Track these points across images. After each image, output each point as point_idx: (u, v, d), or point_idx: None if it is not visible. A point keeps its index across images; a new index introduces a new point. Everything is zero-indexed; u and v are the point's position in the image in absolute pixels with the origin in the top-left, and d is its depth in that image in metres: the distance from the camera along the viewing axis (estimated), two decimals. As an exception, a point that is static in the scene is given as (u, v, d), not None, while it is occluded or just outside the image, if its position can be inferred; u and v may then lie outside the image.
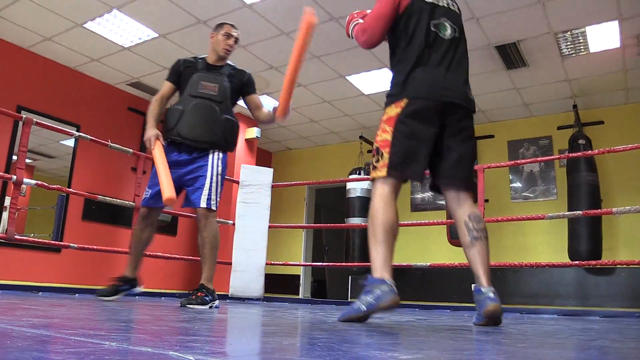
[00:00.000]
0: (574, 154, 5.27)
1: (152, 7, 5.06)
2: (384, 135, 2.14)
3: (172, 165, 3.12)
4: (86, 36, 5.68)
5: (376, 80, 6.47)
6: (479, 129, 7.60)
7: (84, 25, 5.47)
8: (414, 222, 5.71)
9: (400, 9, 2.24)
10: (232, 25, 3.37)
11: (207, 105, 3.18)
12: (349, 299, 7.77)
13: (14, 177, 3.63)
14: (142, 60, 6.22)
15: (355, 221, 7.08)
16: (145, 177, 6.10)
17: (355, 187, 7.28)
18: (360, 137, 8.15)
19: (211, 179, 3.19)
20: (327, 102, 7.19)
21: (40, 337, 0.93)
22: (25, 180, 3.66)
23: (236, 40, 3.35)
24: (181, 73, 3.26)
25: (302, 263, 8.52)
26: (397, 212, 2.14)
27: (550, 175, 6.99)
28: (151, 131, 3.15)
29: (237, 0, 4.88)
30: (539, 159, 4.86)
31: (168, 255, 5.37)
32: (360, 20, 2.38)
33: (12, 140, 5.84)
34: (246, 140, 8.03)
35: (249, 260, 5.13)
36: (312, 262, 8.64)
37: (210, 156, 3.23)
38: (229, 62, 3.40)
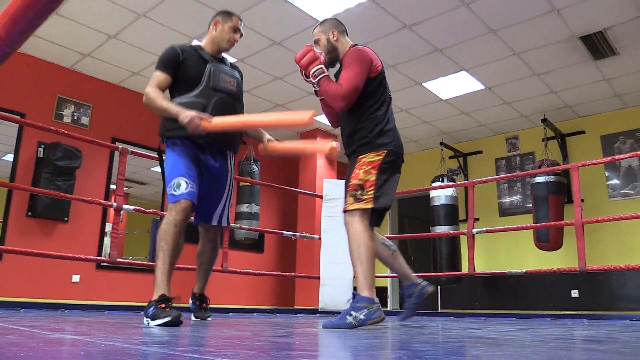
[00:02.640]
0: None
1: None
2: (369, 177, 2.56)
3: (207, 170, 2.76)
4: (170, 67, 6.00)
5: (454, 84, 6.32)
6: (567, 126, 7.21)
7: (167, 57, 5.79)
8: (504, 227, 5.47)
9: (372, 73, 2.64)
10: (241, 19, 2.93)
11: (229, 102, 2.77)
12: (439, 310, 7.57)
13: (115, 204, 3.88)
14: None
15: (442, 229, 6.91)
16: (232, 197, 6.30)
17: (440, 195, 7.11)
18: (441, 143, 7.98)
19: (230, 188, 2.91)
20: (404, 110, 7.12)
21: (157, 355, 0.97)
22: (125, 206, 3.90)
23: (241, 36, 2.94)
24: (180, 64, 2.75)
25: (389, 275, 8.41)
26: None
27: (652, 169, 6.48)
28: (187, 111, 2.50)
29: (304, 16, 4.97)
30: (638, 152, 4.51)
31: (258, 271, 5.50)
32: (324, 70, 2.67)
33: (109, 170, 6.26)
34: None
35: (336, 274, 5.14)
36: (399, 273, 8.50)
37: (229, 161, 2.90)
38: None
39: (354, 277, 2.68)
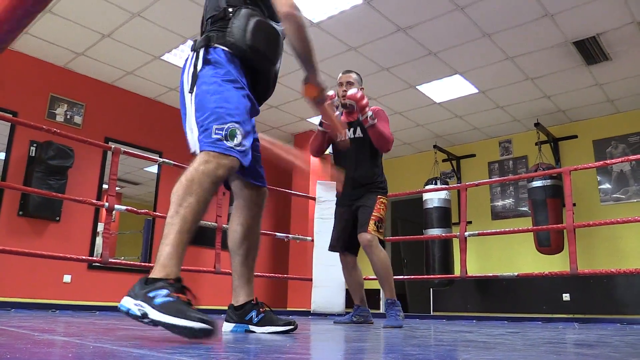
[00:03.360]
0: (670, 150, 4.88)
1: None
2: (384, 216, 3.33)
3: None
4: (164, 67, 6.00)
5: (448, 87, 6.34)
6: (560, 130, 7.24)
7: (161, 58, 5.78)
8: (497, 230, 5.48)
9: None
10: None
11: None
12: (432, 312, 7.58)
13: (107, 203, 3.86)
14: (216, 85, 6.45)
15: (434, 232, 6.93)
16: (225, 198, 6.29)
17: (433, 198, 7.13)
18: (435, 146, 8.00)
19: None
20: (398, 113, 7.13)
21: (148, 357, 0.96)
22: (117, 206, 3.88)
23: None
24: None
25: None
26: None
27: (644, 174, 6.52)
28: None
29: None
30: (630, 157, 4.53)
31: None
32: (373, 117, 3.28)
33: (101, 170, 6.23)
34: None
35: (329, 276, 5.14)
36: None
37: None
38: None
39: (384, 291, 3.31)
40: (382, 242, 3.25)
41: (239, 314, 2.04)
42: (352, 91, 3.23)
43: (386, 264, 3.20)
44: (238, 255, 2.08)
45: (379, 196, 3.32)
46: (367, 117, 3.18)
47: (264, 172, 2.07)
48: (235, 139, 1.72)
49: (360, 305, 3.59)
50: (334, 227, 3.58)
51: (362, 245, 3.28)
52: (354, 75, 3.49)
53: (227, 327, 2.04)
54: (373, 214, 3.24)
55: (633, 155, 4.69)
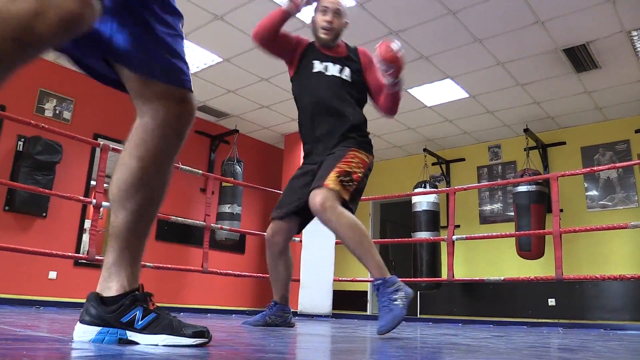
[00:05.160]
0: (656, 158, 4.95)
1: (215, 33, 5.25)
2: (357, 171, 2.43)
3: None
4: (155, 64, 5.96)
5: (438, 91, 6.37)
6: (549, 136, 7.30)
7: (153, 54, 5.74)
8: (484, 234, 5.52)
9: None
10: None
11: None
12: (418, 315, 7.61)
13: (94, 200, 3.84)
14: (208, 84, 6.44)
15: (422, 235, 6.96)
16: (213, 197, 6.26)
17: (421, 201, 7.15)
18: (425, 149, 8.03)
19: None
20: (388, 116, 7.14)
21: (131, 355, 0.96)
22: (104, 203, 3.85)
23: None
24: None
25: (370, 279, 8.42)
26: None
27: (630, 181, 6.60)
28: None
29: (295, 21, 4.98)
30: (617, 164, 4.59)
31: (237, 272, 5.48)
32: None
33: (90, 166, 6.19)
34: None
35: (317, 277, 5.14)
36: (379, 277, 8.52)
37: None
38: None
39: (366, 266, 2.26)
40: (349, 209, 2.35)
41: (110, 312, 1.20)
42: (395, 46, 2.30)
43: (356, 227, 2.27)
44: (124, 210, 1.24)
45: (354, 149, 2.49)
46: (399, 81, 2.44)
47: (187, 69, 1.26)
48: None
49: (279, 302, 2.83)
50: (285, 189, 2.77)
51: (314, 213, 2.37)
52: (343, 7, 2.73)
53: (83, 331, 1.19)
54: (338, 165, 2.39)
55: (620, 163, 4.76)
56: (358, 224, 2.27)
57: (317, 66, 2.68)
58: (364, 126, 2.62)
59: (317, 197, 2.28)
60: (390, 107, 2.61)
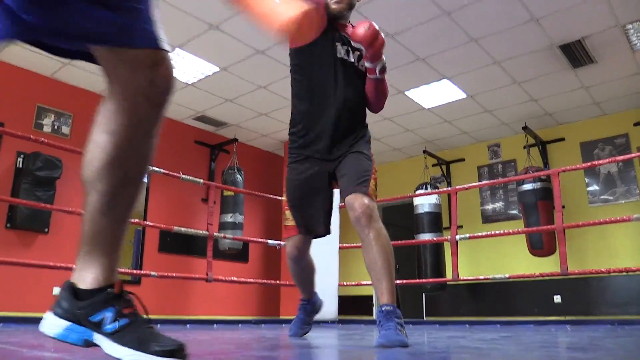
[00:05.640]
0: (657, 151, 4.94)
1: (211, 42, 5.25)
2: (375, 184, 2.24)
3: None
4: (152, 76, 5.96)
5: (436, 92, 6.37)
6: (548, 133, 7.30)
7: (149, 66, 5.74)
8: (488, 233, 5.48)
9: None
10: None
11: None
12: (424, 318, 7.58)
13: (96, 215, 3.82)
14: (205, 94, 6.44)
15: (425, 237, 6.94)
16: (215, 207, 6.25)
17: (423, 203, 7.14)
18: (424, 151, 8.03)
19: None
20: (387, 119, 7.15)
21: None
22: (106, 217, 3.83)
23: None
24: None
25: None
26: None
27: (631, 175, 6.59)
28: None
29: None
30: (617, 158, 4.58)
31: (243, 279, 5.46)
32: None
33: (90, 180, 6.17)
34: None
35: (322, 282, 5.11)
36: (384, 280, 8.50)
37: None
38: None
39: (381, 291, 2.02)
40: None
41: (80, 308, 1.09)
42: (369, 25, 2.21)
43: (390, 246, 2.09)
44: (95, 192, 1.12)
45: (372, 157, 2.31)
46: (383, 66, 2.33)
47: (151, 27, 1.16)
48: None
49: (309, 298, 2.89)
50: (294, 196, 2.39)
51: (353, 215, 2.09)
52: None
53: (51, 323, 1.12)
54: (374, 174, 2.23)
55: (620, 157, 4.76)
56: (391, 246, 2.10)
57: (340, 51, 2.35)
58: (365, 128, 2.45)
59: (362, 202, 2.06)
60: (374, 97, 2.39)
